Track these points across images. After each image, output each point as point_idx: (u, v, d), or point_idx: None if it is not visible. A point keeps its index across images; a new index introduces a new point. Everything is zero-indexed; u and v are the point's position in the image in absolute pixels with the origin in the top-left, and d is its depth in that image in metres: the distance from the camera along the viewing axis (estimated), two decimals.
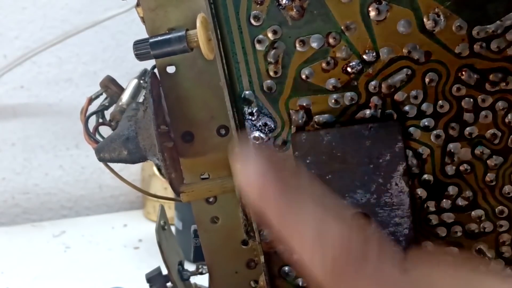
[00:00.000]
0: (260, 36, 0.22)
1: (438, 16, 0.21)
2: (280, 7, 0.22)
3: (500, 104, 0.22)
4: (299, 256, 0.17)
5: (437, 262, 0.18)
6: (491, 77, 0.22)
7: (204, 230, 0.30)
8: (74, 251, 0.60)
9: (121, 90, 0.32)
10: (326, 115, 0.23)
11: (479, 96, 0.22)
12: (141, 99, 0.31)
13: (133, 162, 0.28)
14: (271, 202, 0.17)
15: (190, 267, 0.34)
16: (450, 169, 0.23)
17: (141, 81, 0.32)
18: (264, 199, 0.17)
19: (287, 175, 0.18)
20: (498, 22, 0.21)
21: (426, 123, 0.23)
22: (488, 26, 0.22)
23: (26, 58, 0.64)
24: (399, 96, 0.23)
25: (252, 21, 0.22)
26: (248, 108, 0.23)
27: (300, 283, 0.25)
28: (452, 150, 0.23)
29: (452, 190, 0.24)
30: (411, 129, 0.23)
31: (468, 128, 0.23)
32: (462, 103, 0.23)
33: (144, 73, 0.32)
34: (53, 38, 0.64)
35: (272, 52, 0.22)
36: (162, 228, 0.32)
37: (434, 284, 0.17)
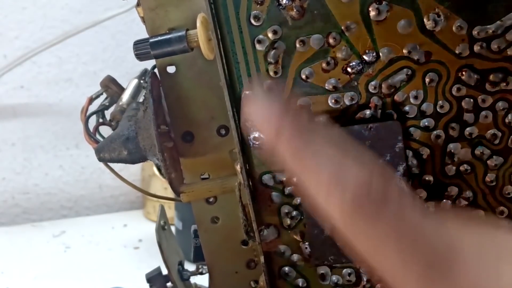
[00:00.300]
0: (260, 36, 0.22)
1: (439, 16, 0.21)
2: (280, 7, 0.22)
3: (500, 104, 0.22)
4: (314, 197, 0.17)
5: (458, 216, 0.17)
6: (491, 77, 0.22)
7: (204, 230, 0.30)
8: (74, 251, 0.60)
9: (122, 90, 0.32)
10: (326, 115, 0.23)
11: (479, 96, 0.22)
12: (141, 99, 0.31)
13: (133, 162, 0.28)
14: (287, 141, 0.17)
15: (190, 267, 0.34)
16: (450, 170, 0.23)
17: (141, 81, 0.32)
18: (280, 138, 0.17)
19: (304, 118, 0.17)
20: (498, 22, 0.21)
21: (426, 123, 0.23)
22: (488, 26, 0.22)
23: (26, 58, 0.64)
24: (399, 96, 0.23)
25: (252, 21, 0.22)
26: None
27: (300, 283, 0.25)
28: (452, 151, 0.23)
29: (452, 190, 0.24)
30: (411, 129, 0.23)
31: (468, 128, 0.23)
32: (462, 103, 0.23)
33: (144, 73, 0.32)
34: (53, 38, 0.64)
35: (272, 52, 0.22)
36: (162, 228, 0.32)
37: (455, 232, 0.16)
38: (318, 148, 0.17)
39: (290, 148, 0.17)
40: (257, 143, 0.23)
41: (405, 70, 0.22)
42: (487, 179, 0.23)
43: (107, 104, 0.32)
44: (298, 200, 0.24)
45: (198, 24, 0.24)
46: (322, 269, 0.25)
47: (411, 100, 0.23)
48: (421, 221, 0.16)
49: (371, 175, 0.16)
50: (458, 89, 0.22)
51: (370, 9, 0.22)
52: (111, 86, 0.32)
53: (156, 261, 0.33)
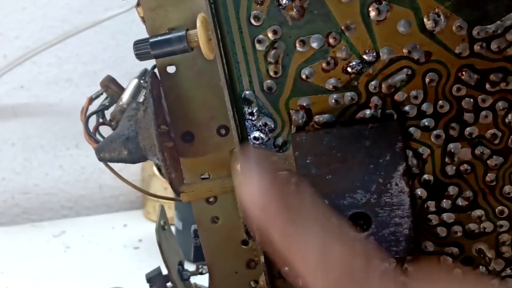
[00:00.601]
0: (260, 36, 0.22)
1: (439, 16, 0.21)
2: (280, 7, 0.22)
3: (500, 104, 0.22)
4: (302, 276, 0.17)
5: (438, 276, 0.18)
6: (491, 77, 0.22)
7: (204, 230, 0.30)
8: (74, 251, 0.60)
9: (122, 90, 0.32)
10: (326, 115, 0.23)
11: (479, 96, 0.22)
12: (141, 99, 0.31)
13: (133, 162, 0.28)
14: (274, 221, 0.17)
15: (190, 267, 0.34)
16: (450, 169, 0.23)
17: (141, 81, 0.32)
18: (267, 218, 0.18)
19: (290, 193, 0.18)
20: (498, 22, 0.21)
21: (426, 123, 0.23)
22: (488, 26, 0.22)
23: (26, 58, 0.64)
24: (399, 96, 0.23)
25: (252, 21, 0.22)
26: (248, 108, 0.23)
27: (300, 283, 0.25)
28: (452, 150, 0.23)
29: (452, 190, 0.24)
30: (411, 129, 0.23)
31: (468, 128, 0.23)
32: (462, 103, 0.23)
33: (144, 73, 0.32)
34: (53, 38, 0.64)
35: (272, 52, 0.22)
36: (162, 228, 0.32)
37: None
38: (303, 227, 0.17)
39: (276, 228, 0.18)
40: (257, 142, 0.24)
41: (405, 70, 0.22)
42: (487, 179, 0.23)
43: (107, 104, 0.32)
44: None
45: (198, 24, 0.24)
46: None
47: (411, 100, 0.23)
48: None
49: (353, 254, 0.17)
50: (458, 89, 0.22)
51: (370, 9, 0.22)
52: (111, 86, 0.32)
53: (156, 261, 0.33)
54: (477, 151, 0.23)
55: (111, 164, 0.30)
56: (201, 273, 0.33)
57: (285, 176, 0.19)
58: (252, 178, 0.18)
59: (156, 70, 0.28)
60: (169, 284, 0.32)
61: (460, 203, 0.24)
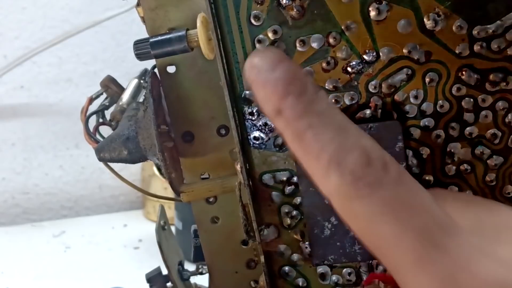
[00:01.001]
0: (261, 36, 0.22)
1: (439, 16, 0.21)
2: (281, 7, 0.22)
3: (500, 104, 0.23)
4: (313, 178, 0.17)
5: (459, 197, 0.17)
6: (491, 77, 0.22)
7: (204, 230, 0.30)
8: (74, 251, 0.60)
9: (122, 90, 0.32)
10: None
11: (479, 96, 0.22)
12: (141, 99, 0.31)
13: (133, 162, 0.28)
14: (289, 123, 0.17)
15: (190, 267, 0.34)
16: (450, 169, 0.23)
17: (142, 81, 0.32)
18: (281, 118, 0.17)
19: (307, 96, 0.17)
20: (498, 22, 0.21)
21: (426, 123, 0.23)
22: (488, 26, 0.22)
23: (26, 58, 0.64)
24: (399, 96, 0.23)
25: (253, 21, 0.22)
26: (249, 108, 0.23)
27: (300, 283, 0.25)
28: (452, 150, 0.23)
29: (452, 190, 0.24)
30: (411, 128, 0.23)
31: (468, 128, 0.23)
32: (462, 103, 0.23)
33: (144, 73, 0.32)
34: (53, 38, 0.64)
35: None
36: (162, 228, 0.32)
37: (456, 209, 0.16)
38: (318, 131, 0.17)
39: (289, 130, 0.17)
40: (257, 142, 0.24)
41: (405, 69, 0.22)
42: (487, 178, 0.23)
43: (107, 104, 0.32)
44: (299, 200, 0.24)
45: (198, 24, 0.24)
46: (322, 269, 0.25)
47: (411, 99, 0.23)
48: (421, 195, 0.16)
49: (370, 151, 0.16)
50: (458, 89, 0.22)
51: (370, 8, 0.22)
52: (111, 86, 0.32)
53: (156, 261, 0.33)
54: (477, 151, 0.23)
55: (111, 164, 0.30)
56: (201, 273, 0.33)
57: (301, 76, 0.17)
58: (268, 72, 0.17)
59: (156, 70, 0.28)
60: (169, 284, 0.32)
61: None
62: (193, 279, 0.34)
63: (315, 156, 0.17)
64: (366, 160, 0.16)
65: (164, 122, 0.28)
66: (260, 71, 0.17)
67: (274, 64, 0.17)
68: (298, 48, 0.22)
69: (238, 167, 0.24)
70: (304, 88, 0.17)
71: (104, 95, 0.32)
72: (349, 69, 0.22)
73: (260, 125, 0.23)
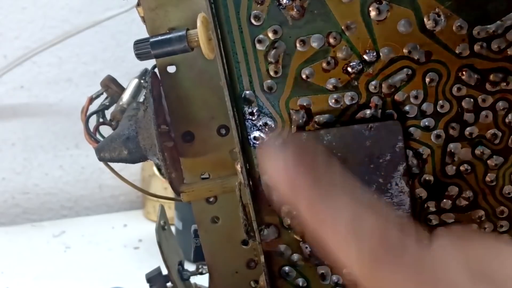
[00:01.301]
0: (261, 36, 0.22)
1: (439, 16, 0.21)
2: (281, 7, 0.22)
3: (500, 104, 0.22)
4: (333, 251, 0.17)
5: (463, 237, 0.17)
6: (491, 77, 0.22)
7: (204, 230, 0.30)
8: (74, 251, 0.60)
9: (122, 89, 0.32)
10: (326, 115, 0.23)
11: (480, 96, 0.22)
12: (141, 99, 0.31)
13: (133, 161, 0.28)
14: (303, 194, 0.17)
15: (190, 267, 0.34)
16: (450, 169, 0.23)
17: (142, 81, 0.32)
18: (295, 191, 0.17)
19: (319, 167, 0.17)
20: (498, 22, 0.21)
21: (426, 123, 0.23)
22: (488, 26, 0.22)
23: (26, 58, 0.64)
24: (399, 96, 0.23)
25: (253, 21, 0.22)
26: (249, 108, 0.23)
27: (301, 283, 0.25)
28: (452, 150, 0.23)
29: (452, 190, 0.24)
30: (412, 129, 0.23)
31: (468, 128, 0.23)
32: (463, 103, 0.23)
33: (144, 72, 0.32)
34: (53, 38, 0.64)
35: (273, 51, 0.22)
36: (162, 228, 0.32)
37: (466, 256, 0.16)
38: (334, 199, 0.17)
39: (305, 201, 0.17)
40: (257, 142, 0.23)
41: (405, 69, 0.22)
42: (487, 179, 0.23)
43: (107, 104, 0.32)
44: None
45: (199, 23, 0.24)
46: (323, 269, 0.25)
47: (411, 99, 0.23)
48: (442, 267, 0.16)
49: (387, 225, 0.16)
50: (458, 89, 0.22)
51: (370, 9, 0.22)
52: (111, 86, 0.32)
53: (156, 261, 0.33)
54: (477, 151, 0.23)
55: (111, 164, 0.30)
56: (201, 273, 0.33)
57: (313, 151, 0.18)
58: (279, 152, 0.17)
59: (156, 70, 0.28)
60: (169, 284, 0.32)
61: (460, 203, 0.24)
62: (193, 279, 0.34)
63: (332, 226, 0.17)
64: (385, 229, 0.16)
65: (164, 122, 0.28)
66: (270, 151, 0.18)
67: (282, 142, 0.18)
68: (298, 48, 0.22)
69: (238, 167, 0.24)
70: (315, 151, 0.18)
71: (104, 95, 0.32)
72: (349, 69, 0.22)
73: (260, 125, 0.23)
